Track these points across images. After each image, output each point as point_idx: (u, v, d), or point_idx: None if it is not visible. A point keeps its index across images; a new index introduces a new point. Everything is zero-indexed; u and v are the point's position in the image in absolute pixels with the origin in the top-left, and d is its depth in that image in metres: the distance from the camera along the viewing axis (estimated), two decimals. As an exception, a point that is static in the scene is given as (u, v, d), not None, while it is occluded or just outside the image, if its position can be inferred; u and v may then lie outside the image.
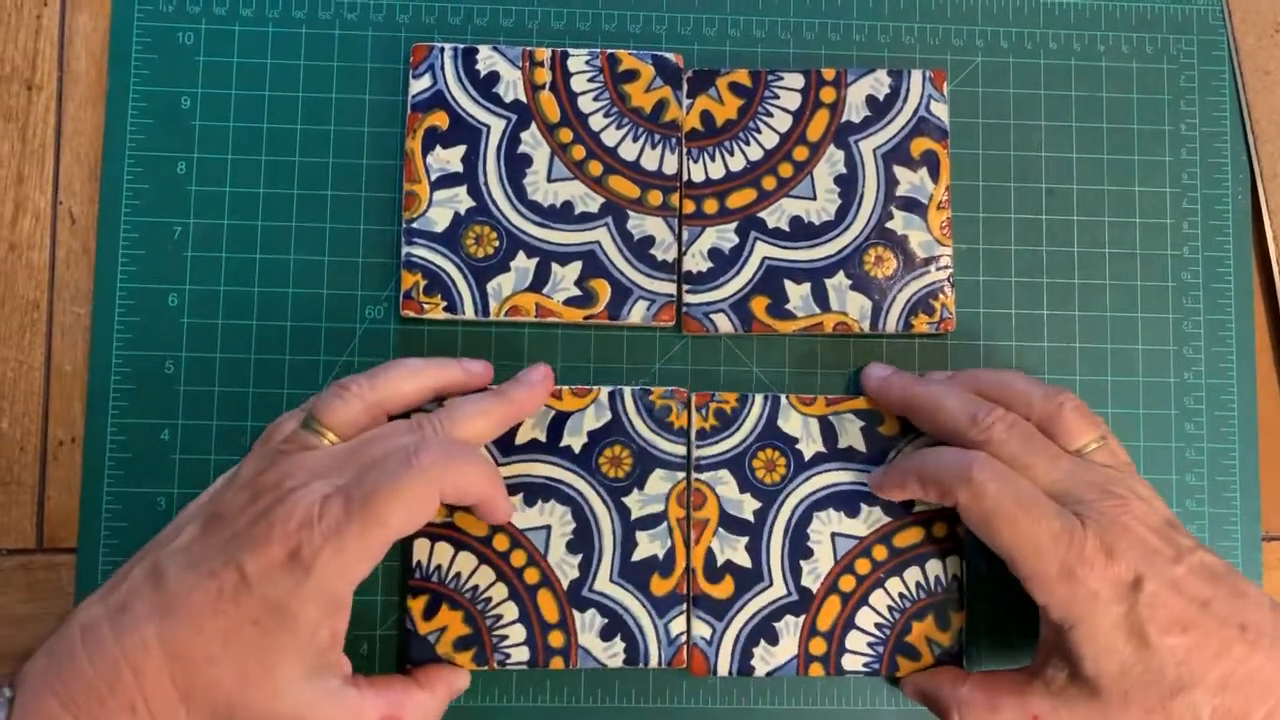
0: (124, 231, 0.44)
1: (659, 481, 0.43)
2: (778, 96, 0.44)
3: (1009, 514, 0.38)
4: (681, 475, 0.43)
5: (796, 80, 0.45)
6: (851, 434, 0.43)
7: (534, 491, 0.43)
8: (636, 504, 0.43)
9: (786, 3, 0.46)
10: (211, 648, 0.34)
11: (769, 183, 0.44)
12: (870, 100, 0.45)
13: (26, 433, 0.44)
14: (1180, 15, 0.47)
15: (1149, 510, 0.38)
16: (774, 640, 0.42)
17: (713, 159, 0.44)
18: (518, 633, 0.42)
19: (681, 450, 0.43)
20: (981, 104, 0.46)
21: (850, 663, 0.42)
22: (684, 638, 0.42)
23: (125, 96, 0.44)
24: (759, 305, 0.43)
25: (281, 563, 0.35)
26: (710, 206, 0.44)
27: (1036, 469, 0.39)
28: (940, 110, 0.45)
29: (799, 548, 0.43)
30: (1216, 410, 0.46)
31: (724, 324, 0.43)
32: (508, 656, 0.42)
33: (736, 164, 0.44)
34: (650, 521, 0.43)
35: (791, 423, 0.43)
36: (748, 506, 0.43)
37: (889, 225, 0.44)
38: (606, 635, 0.42)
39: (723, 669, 0.42)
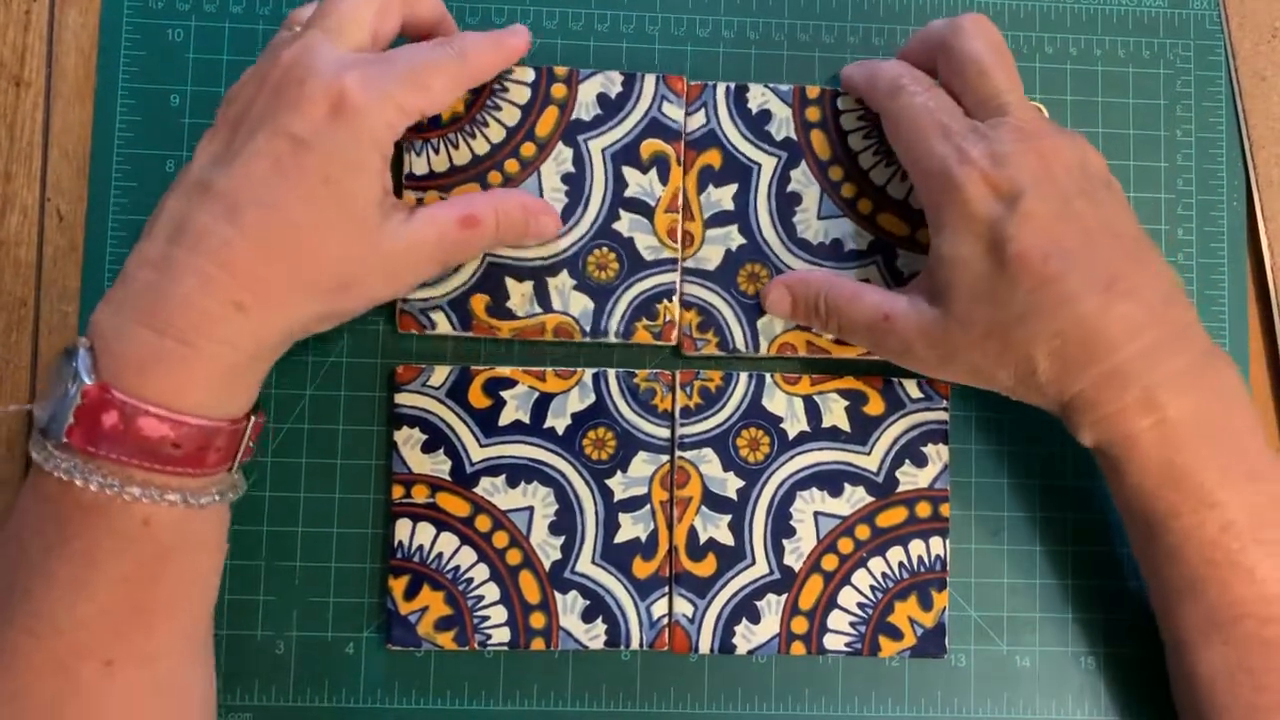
0: (112, 230, 0.44)
1: (642, 464, 0.43)
2: (506, 90, 0.44)
3: (915, 115, 0.39)
4: (665, 458, 0.43)
5: (526, 74, 0.44)
6: (836, 413, 0.43)
7: (517, 473, 0.42)
8: (619, 486, 0.43)
9: (781, 4, 0.46)
10: (294, 215, 0.34)
11: (494, 178, 0.43)
12: (601, 99, 0.44)
13: (14, 432, 0.43)
14: (1177, 20, 0.47)
15: (1070, 151, 0.38)
16: (756, 619, 0.42)
17: (436, 152, 0.43)
18: (499, 614, 0.42)
19: (665, 433, 0.43)
20: (976, 108, 0.46)
21: (832, 642, 0.42)
22: (665, 620, 0.42)
23: (114, 93, 0.44)
24: (479, 304, 0.43)
25: (327, 115, 0.35)
26: (431, 200, 0.43)
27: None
28: (674, 112, 0.44)
29: (782, 526, 0.43)
30: (1209, 418, 0.45)
31: (442, 322, 0.43)
32: (489, 637, 0.42)
33: (461, 157, 0.43)
34: (633, 504, 0.42)
35: (776, 402, 0.43)
36: (731, 485, 0.43)
37: (615, 226, 0.44)
38: (588, 617, 0.42)
39: (704, 647, 0.42)
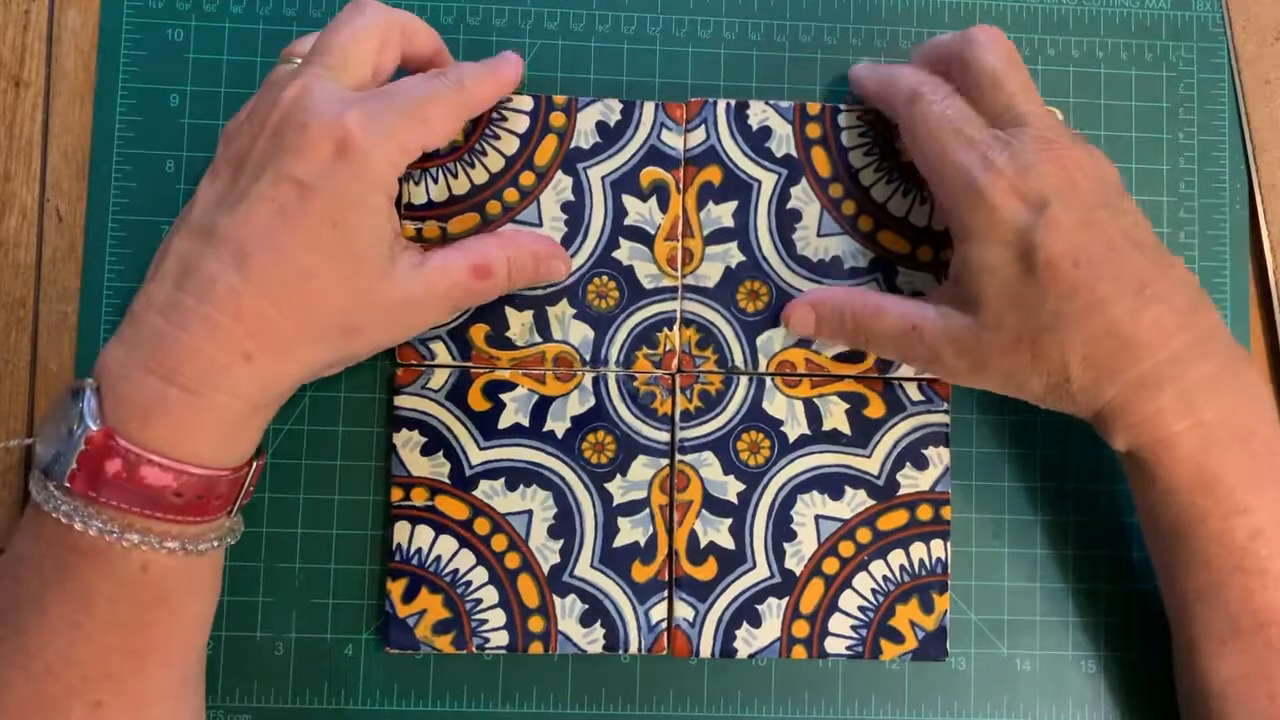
0: (111, 230, 0.44)
1: (642, 468, 0.43)
2: (505, 119, 0.43)
3: (936, 123, 0.38)
4: (665, 462, 0.43)
5: (525, 103, 0.43)
6: (836, 416, 0.43)
7: (516, 476, 0.42)
8: (619, 490, 0.42)
9: (783, 5, 0.46)
10: (301, 261, 0.34)
11: (494, 208, 0.43)
12: (600, 127, 0.44)
13: (12, 432, 0.43)
14: (1180, 22, 0.47)
15: (1089, 161, 0.38)
16: (757, 622, 0.42)
17: (435, 181, 0.43)
18: (497, 617, 0.42)
19: (665, 436, 0.43)
20: (978, 110, 0.46)
21: (833, 645, 0.42)
22: (664, 624, 0.42)
23: (114, 94, 0.44)
24: (478, 333, 0.43)
25: (330, 157, 0.34)
26: (430, 231, 0.43)
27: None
28: (673, 139, 0.44)
29: (782, 530, 0.43)
30: (1211, 422, 0.45)
31: (441, 353, 0.43)
32: (487, 640, 0.42)
33: (460, 187, 0.43)
34: (632, 508, 0.42)
35: (776, 405, 0.43)
36: (731, 488, 0.43)
37: (615, 255, 0.43)
38: (586, 621, 0.42)
39: (705, 650, 0.42)
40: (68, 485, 0.33)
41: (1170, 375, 0.36)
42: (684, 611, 0.42)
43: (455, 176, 0.43)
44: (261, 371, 0.34)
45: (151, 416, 0.33)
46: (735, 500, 0.43)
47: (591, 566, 0.42)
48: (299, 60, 0.38)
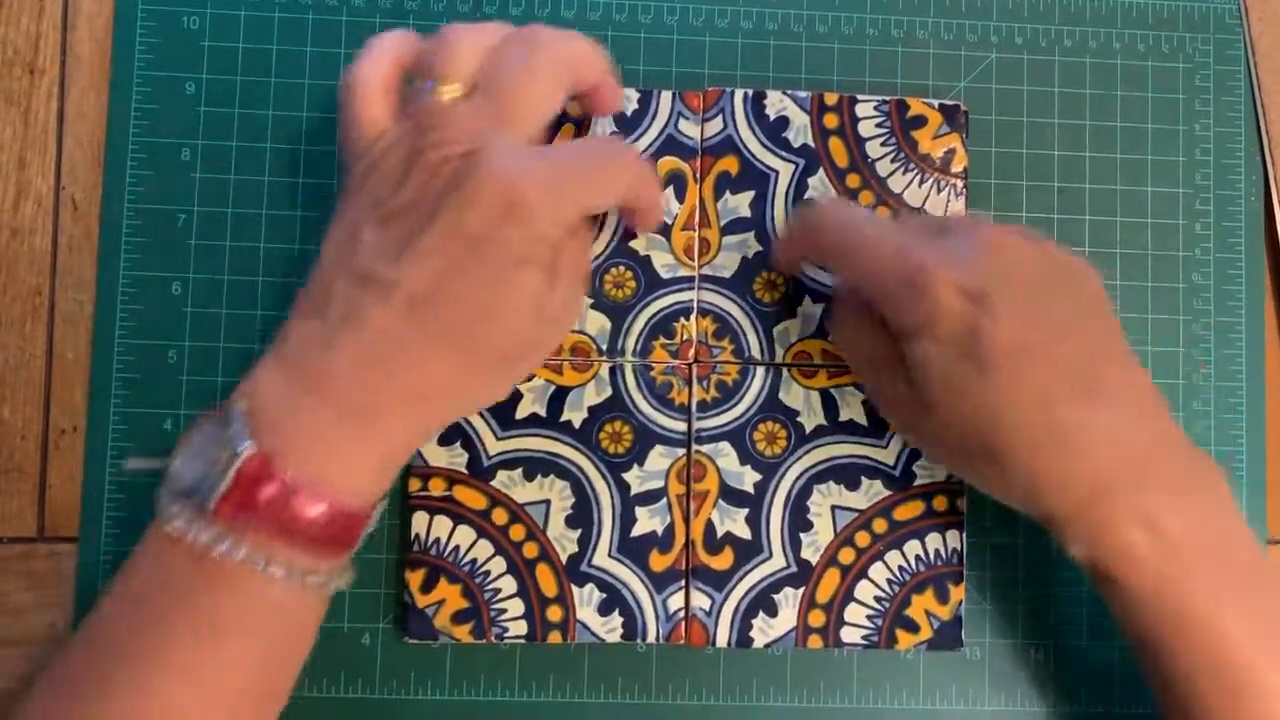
0: (127, 218, 0.44)
1: (659, 457, 0.43)
2: None
3: (859, 237, 0.37)
4: (682, 451, 0.43)
5: None
6: (853, 407, 0.43)
7: (533, 466, 0.42)
8: (636, 480, 0.42)
9: (800, -5, 0.46)
10: (469, 312, 0.34)
11: None
12: (618, 116, 0.43)
13: (28, 421, 0.43)
14: (1196, 14, 0.47)
15: (1032, 250, 0.36)
16: (773, 612, 0.42)
17: None
18: (516, 606, 0.42)
19: (682, 426, 0.43)
20: (995, 101, 0.46)
21: (849, 635, 0.42)
22: (682, 613, 0.42)
23: (129, 81, 0.44)
24: None
25: (501, 217, 0.33)
26: None
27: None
28: (690, 129, 0.44)
29: (799, 520, 0.43)
30: (1224, 413, 0.45)
31: None
32: (506, 630, 0.42)
33: None
34: (650, 497, 0.42)
35: (793, 395, 0.43)
36: (748, 478, 0.43)
37: (632, 244, 0.43)
38: (604, 610, 0.42)
39: (721, 640, 0.42)
40: (211, 511, 0.32)
41: (1124, 483, 0.34)
42: (700, 601, 0.42)
43: None
44: (434, 407, 0.35)
45: (316, 446, 0.33)
46: (752, 490, 0.43)
47: (609, 556, 0.42)
48: (444, 87, 0.36)
